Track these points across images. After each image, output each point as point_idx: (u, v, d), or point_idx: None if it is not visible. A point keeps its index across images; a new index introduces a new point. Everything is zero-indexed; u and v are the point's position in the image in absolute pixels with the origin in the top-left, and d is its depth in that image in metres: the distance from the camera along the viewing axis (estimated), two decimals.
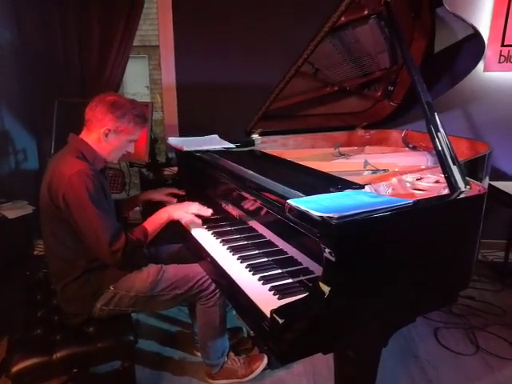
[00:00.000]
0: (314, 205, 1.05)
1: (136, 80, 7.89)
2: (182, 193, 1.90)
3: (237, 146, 2.06)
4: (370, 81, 2.21)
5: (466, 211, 1.26)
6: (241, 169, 1.61)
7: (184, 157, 2.02)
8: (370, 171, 1.73)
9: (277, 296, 1.15)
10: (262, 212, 1.43)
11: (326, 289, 1.01)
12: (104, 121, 1.47)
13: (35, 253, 2.82)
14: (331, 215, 0.99)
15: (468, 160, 1.71)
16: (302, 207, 1.04)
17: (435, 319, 2.22)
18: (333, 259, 1.01)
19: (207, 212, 1.64)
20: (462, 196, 1.24)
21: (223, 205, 1.76)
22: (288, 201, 1.11)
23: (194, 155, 1.91)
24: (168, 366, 1.91)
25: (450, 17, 1.84)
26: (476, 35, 1.89)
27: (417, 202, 1.13)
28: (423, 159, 2.04)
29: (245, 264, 1.36)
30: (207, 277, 1.59)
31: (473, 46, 1.98)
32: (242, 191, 1.48)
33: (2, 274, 2.32)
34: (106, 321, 1.54)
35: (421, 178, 1.44)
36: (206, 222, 1.70)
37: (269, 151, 2.06)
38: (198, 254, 1.59)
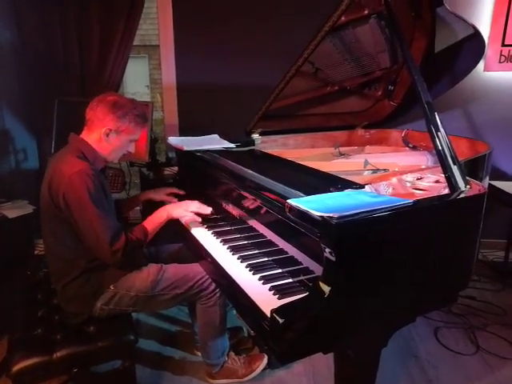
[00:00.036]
0: (315, 204, 1.05)
1: (136, 79, 7.88)
2: (182, 192, 1.89)
3: (237, 146, 2.06)
4: (370, 80, 2.21)
5: (466, 211, 1.26)
6: (241, 168, 1.61)
7: (184, 156, 2.02)
8: (370, 171, 1.73)
9: (277, 296, 1.15)
10: (262, 212, 1.43)
11: (326, 288, 1.01)
12: (105, 121, 1.47)
13: (35, 252, 2.82)
14: (331, 215, 0.99)
15: (468, 160, 1.71)
16: (303, 207, 1.05)
17: (435, 319, 2.22)
18: (333, 259, 1.01)
19: (207, 210, 1.64)
20: (462, 196, 1.24)
21: (223, 204, 1.76)
22: (288, 200, 1.11)
23: (195, 155, 1.91)
24: (168, 365, 1.91)
25: (450, 16, 1.84)
26: (476, 35, 1.89)
27: (417, 202, 1.13)
28: (423, 159, 2.04)
29: (245, 264, 1.36)
30: (207, 276, 1.59)
31: (473, 45, 1.98)
32: (242, 191, 1.48)
33: (2, 273, 2.32)
34: (106, 320, 1.54)
35: (421, 178, 1.44)
36: (206, 221, 1.70)
37: (269, 151, 2.06)
38: (198, 253, 1.59)
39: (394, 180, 1.43)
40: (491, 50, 2.65)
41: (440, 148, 1.31)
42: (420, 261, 1.17)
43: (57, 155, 1.53)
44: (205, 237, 1.61)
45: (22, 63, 2.76)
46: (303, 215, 1.06)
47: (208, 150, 1.93)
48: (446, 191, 1.28)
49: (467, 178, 1.31)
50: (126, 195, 2.65)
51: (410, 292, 1.19)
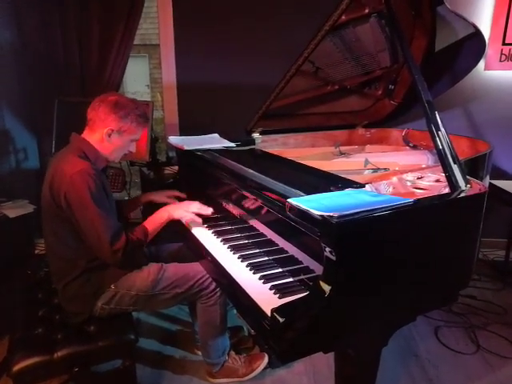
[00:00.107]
0: (315, 204, 1.05)
1: (136, 79, 7.88)
2: (183, 195, 1.90)
3: (237, 145, 2.06)
4: (370, 79, 2.21)
5: (467, 210, 1.26)
6: (241, 168, 1.61)
7: (184, 156, 2.02)
8: (371, 170, 1.73)
9: (277, 295, 1.15)
10: (263, 211, 1.43)
11: (326, 288, 1.01)
12: (107, 121, 1.48)
13: (36, 252, 2.82)
14: (332, 214, 0.99)
15: (469, 159, 1.71)
16: (303, 206, 1.05)
17: (436, 318, 2.22)
18: (333, 258, 1.01)
19: (207, 211, 1.64)
20: (462, 195, 1.24)
21: (224, 204, 1.76)
22: (289, 200, 1.11)
23: (195, 154, 1.91)
24: (169, 364, 1.91)
25: (450, 15, 1.84)
26: (477, 34, 1.89)
27: (417, 201, 1.13)
28: (424, 158, 2.04)
29: (245, 263, 1.36)
30: (208, 276, 1.59)
31: (473, 44, 1.98)
32: (243, 190, 1.48)
33: (2, 273, 2.32)
34: (106, 320, 1.54)
35: (421, 177, 1.44)
36: (207, 220, 1.70)
37: (269, 150, 2.06)
38: (199, 252, 1.59)
39: (395, 179, 1.43)
40: (492, 49, 2.65)
41: (440, 147, 1.31)
42: (420, 260, 1.17)
43: (58, 155, 1.53)
44: (205, 236, 1.61)
45: (21, 63, 2.76)
46: (303, 214, 1.06)
47: (208, 150, 1.93)
48: (447, 190, 1.28)
49: (468, 177, 1.31)
50: (126, 194, 2.65)
51: (411, 291, 1.19)
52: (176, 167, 2.43)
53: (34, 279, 1.83)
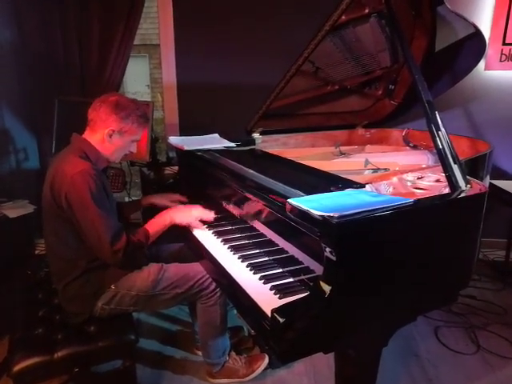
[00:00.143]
0: (315, 204, 1.05)
1: (136, 79, 7.88)
2: (184, 199, 1.90)
3: (237, 145, 2.06)
4: (370, 79, 2.21)
5: (467, 210, 1.26)
6: (241, 168, 1.61)
7: (185, 156, 2.02)
8: (371, 170, 1.73)
9: (277, 295, 1.15)
10: (263, 211, 1.43)
11: (326, 288, 1.01)
12: (108, 121, 1.48)
13: (36, 252, 2.82)
14: (332, 214, 0.98)
15: (469, 159, 1.71)
16: (303, 206, 1.04)
17: (436, 318, 2.22)
18: (334, 258, 1.01)
19: (209, 216, 1.65)
20: (462, 195, 1.23)
21: (224, 204, 1.76)
22: (289, 200, 1.11)
23: (195, 154, 1.91)
24: (169, 365, 1.91)
25: (451, 15, 1.84)
26: (477, 34, 1.89)
27: (417, 201, 1.13)
28: (424, 158, 2.04)
29: (245, 263, 1.36)
30: (208, 276, 1.59)
31: (474, 44, 1.98)
32: (243, 190, 1.48)
33: (2, 273, 2.32)
34: (107, 320, 1.54)
35: (421, 177, 1.44)
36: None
37: (269, 150, 2.06)
38: (199, 253, 1.59)
39: (395, 179, 1.43)
40: (492, 49, 2.65)
41: (441, 147, 1.31)
42: (421, 260, 1.17)
43: (59, 155, 1.54)
44: (205, 236, 1.62)
45: (21, 63, 2.76)
46: (304, 215, 1.06)
47: (209, 150, 1.93)
48: (447, 190, 1.28)
49: (468, 177, 1.31)
50: (126, 194, 2.65)
51: (411, 291, 1.19)
52: (176, 167, 2.43)
53: (34, 279, 1.83)
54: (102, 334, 1.48)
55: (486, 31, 2.59)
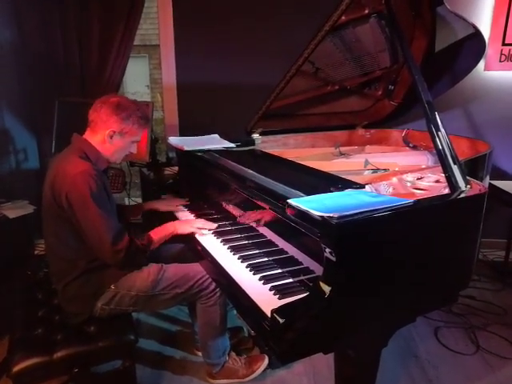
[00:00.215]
0: (315, 204, 1.05)
1: (136, 79, 7.88)
2: (185, 202, 1.93)
3: (237, 146, 2.06)
4: (370, 80, 2.21)
5: (467, 211, 1.26)
6: (241, 168, 1.61)
7: (184, 156, 2.02)
8: (371, 171, 1.73)
9: (277, 296, 1.15)
10: (263, 212, 1.43)
11: (326, 288, 1.01)
12: (109, 122, 1.48)
13: (36, 252, 2.82)
14: (332, 215, 0.99)
15: (468, 159, 1.71)
16: (303, 207, 1.05)
17: (435, 319, 2.22)
18: (333, 259, 1.01)
19: (212, 227, 1.65)
20: (462, 195, 1.24)
21: (224, 204, 1.76)
22: (288, 200, 1.11)
23: (195, 155, 1.91)
24: (169, 365, 1.91)
25: (450, 16, 1.84)
26: (477, 34, 1.89)
27: (417, 202, 1.13)
28: (424, 158, 2.04)
29: (245, 264, 1.36)
30: (207, 276, 1.59)
31: (473, 44, 1.98)
32: (243, 191, 1.48)
33: (2, 273, 2.32)
34: (106, 320, 1.54)
35: (421, 178, 1.44)
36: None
37: (269, 151, 2.06)
38: (199, 253, 1.59)
39: (395, 180, 1.43)
40: (491, 50, 2.65)
41: (440, 147, 1.31)
42: (420, 261, 1.17)
43: (59, 155, 1.54)
44: (205, 237, 1.61)
45: (21, 63, 2.76)
46: (303, 215, 1.06)
47: (208, 150, 1.93)
48: (447, 191, 1.28)
49: (467, 177, 1.31)
50: (126, 195, 2.65)
51: (411, 292, 1.19)
52: (176, 168, 2.43)
53: (34, 280, 1.83)
54: (101, 335, 1.48)
55: (486, 31, 2.60)
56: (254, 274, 1.30)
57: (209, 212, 1.86)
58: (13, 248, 2.53)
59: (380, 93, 2.30)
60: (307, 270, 1.25)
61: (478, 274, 2.62)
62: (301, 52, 1.71)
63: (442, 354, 1.99)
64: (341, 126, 2.40)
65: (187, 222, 1.71)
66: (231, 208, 1.69)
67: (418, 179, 1.43)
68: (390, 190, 1.34)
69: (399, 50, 1.91)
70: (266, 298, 1.15)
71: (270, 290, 1.19)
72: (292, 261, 1.32)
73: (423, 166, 1.79)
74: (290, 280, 1.24)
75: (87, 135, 1.53)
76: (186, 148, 1.93)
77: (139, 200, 2.79)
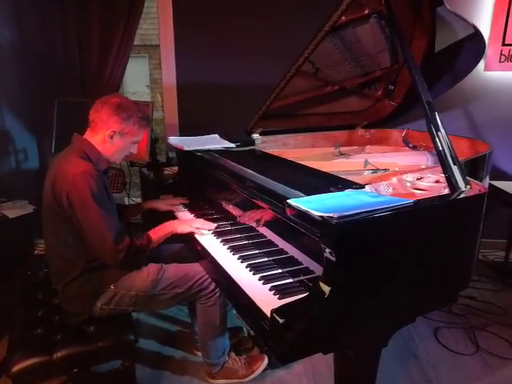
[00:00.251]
0: (315, 204, 1.05)
1: (136, 79, 7.89)
2: (185, 201, 1.92)
3: (237, 146, 2.06)
4: (370, 80, 2.21)
5: (467, 211, 1.26)
6: (241, 168, 1.61)
7: (184, 156, 2.02)
8: (371, 171, 1.73)
9: (277, 296, 1.15)
10: (263, 212, 1.43)
11: (326, 289, 1.01)
12: (109, 123, 1.48)
13: (36, 252, 2.82)
14: (331, 215, 0.98)
15: (468, 159, 1.71)
16: (303, 207, 1.04)
17: (435, 319, 2.22)
18: (333, 259, 1.01)
19: (210, 228, 1.65)
20: (462, 196, 1.24)
21: (223, 204, 1.76)
22: (288, 200, 1.11)
23: (195, 155, 1.91)
24: (168, 365, 1.91)
25: (450, 16, 1.84)
26: (477, 34, 1.89)
27: (417, 202, 1.13)
28: (423, 159, 2.04)
29: (245, 264, 1.36)
30: (207, 276, 1.59)
31: (473, 45, 1.98)
32: (243, 191, 1.48)
33: (2, 273, 2.32)
34: (106, 320, 1.54)
35: (421, 178, 1.44)
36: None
37: (269, 151, 2.06)
38: (199, 253, 1.59)
39: (394, 180, 1.43)
40: (491, 50, 2.65)
41: (440, 148, 1.31)
42: (420, 261, 1.17)
43: (60, 155, 1.54)
44: (205, 237, 1.61)
45: (22, 63, 2.76)
46: (303, 215, 1.06)
47: (208, 150, 1.93)
48: (446, 191, 1.28)
49: (467, 177, 1.31)
50: (126, 195, 2.65)
51: (410, 292, 1.19)
52: (176, 168, 2.43)
53: (34, 279, 1.83)
54: (101, 334, 1.48)
55: (486, 32, 2.60)
56: (253, 274, 1.29)
57: (209, 212, 1.86)
58: (12, 248, 2.53)
59: (380, 93, 2.30)
60: (307, 270, 1.25)
61: (477, 275, 2.62)
62: (301, 52, 1.71)
63: (442, 354, 1.99)
64: (341, 126, 2.40)
65: (186, 221, 1.71)
66: (231, 208, 1.69)
67: (417, 179, 1.43)
68: (390, 190, 1.34)
69: (399, 50, 1.91)
70: (265, 298, 1.15)
71: (270, 290, 1.19)
72: (292, 261, 1.32)
73: (423, 167, 1.79)
74: (290, 280, 1.24)
75: (87, 135, 1.53)
76: (185, 148, 1.93)
77: (139, 200, 2.79)
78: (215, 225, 1.66)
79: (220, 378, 1.78)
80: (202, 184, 1.96)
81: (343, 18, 1.66)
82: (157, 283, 1.55)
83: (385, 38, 1.89)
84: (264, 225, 1.48)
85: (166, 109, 2.98)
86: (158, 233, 1.58)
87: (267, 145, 2.16)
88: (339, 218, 0.98)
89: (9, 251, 2.44)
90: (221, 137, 2.14)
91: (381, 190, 1.31)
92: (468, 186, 1.26)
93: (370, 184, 1.32)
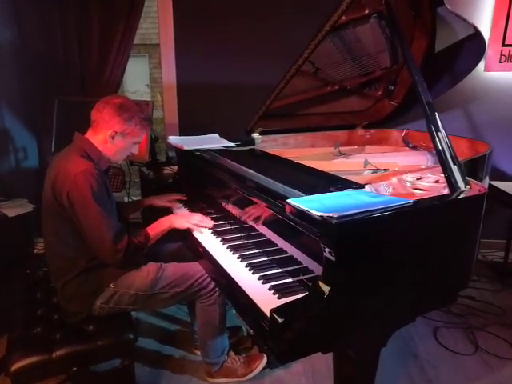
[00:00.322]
0: (314, 204, 1.05)
1: (136, 78, 7.88)
2: (184, 198, 1.91)
3: (237, 145, 2.06)
4: (370, 80, 2.21)
5: (466, 211, 1.26)
6: (241, 168, 1.61)
7: (184, 156, 2.02)
8: (371, 171, 1.73)
9: (276, 295, 1.15)
10: (262, 211, 1.43)
11: (325, 288, 1.01)
12: (111, 123, 1.48)
13: (35, 251, 2.82)
14: (331, 215, 0.99)
15: (468, 160, 1.71)
16: (302, 206, 1.05)
17: (435, 319, 2.22)
18: (333, 259, 1.01)
19: (208, 224, 1.65)
20: (462, 196, 1.24)
21: (223, 204, 1.76)
22: (288, 200, 1.11)
23: (195, 154, 1.91)
24: (168, 364, 1.91)
25: (450, 16, 1.84)
26: (477, 35, 1.89)
27: (417, 202, 1.13)
28: (423, 159, 2.04)
29: (244, 263, 1.36)
30: (206, 275, 1.59)
31: (473, 45, 1.98)
32: (242, 190, 1.48)
33: (2, 272, 2.32)
34: (105, 319, 1.54)
35: (421, 178, 1.44)
36: None
37: (269, 150, 2.06)
38: (198, 252, 1.59)
39: (394, 180, 1.43)
40: (492, 50, 2.65)
41: (440, 148, 1.31)
42: (420, 261, 1.17)
43: (61, 154, 1.54)
44: (204, 236, 1.61)
45: (22, 63, 2.76)
46: (303, 215, 1.06)
47: (208, 150, 1.93)
48: (446, 191, 1.28)
49: (467, 178, 1.31)
50: (125, 194, 2.65)
51: (410, 292, 1.19)
52: (176, 167, 2.43)
53: (33, 278, 1.83)
54: (100, 333, 1.48)
55: (486, 32, 2.60)
56: (253, 273, 1.29)
57: (208, 211, 1.85)
58: (12, 247, 2.53)
59: (380, 93, 2.30)
60: (306, 270, 1.25)
61: (477, 275, 2.62)
62: (301, 52, 1.71)
63: (441, 354, 1.99)
64: (341, 126, 2.40)
65: (183, 216, 1.70)
66: (231, 207, 1.69)
67: (417, 179, 1.43)
68: (390, 190, 1.35)
69: (399, 50, 1.91)
70: (265, 298, 1.15)
71: (270, 289, 1.19)
72: (291, 260, 1.32)
73: (423, 167, 1.79)
74: (290, 280, 1.24)
75: (89, 135, 1.53)
76: (185, 147, 1.93)
77: None
78: (213, 222, 1.66)
79: (219, 377, 1.78)
80: (202, 183, 1.96)
81: (343, 17, 1.66)
82: (156, 282, 1.55)
83: (385, 38, 1.89)
84: (263, 224, 1.48)
85: (166, 108, 2.99)
86: (155, 229, 1.57)
87: (267, 144, 2.16)
88: (339, 217, 0.98)
89: (8, 250, 2.45)
90: (221, 136, 2.14)
91: (381, 190, 1.31)
92: (468, 186, 1.26)
93: (370, 184, 1.32)
